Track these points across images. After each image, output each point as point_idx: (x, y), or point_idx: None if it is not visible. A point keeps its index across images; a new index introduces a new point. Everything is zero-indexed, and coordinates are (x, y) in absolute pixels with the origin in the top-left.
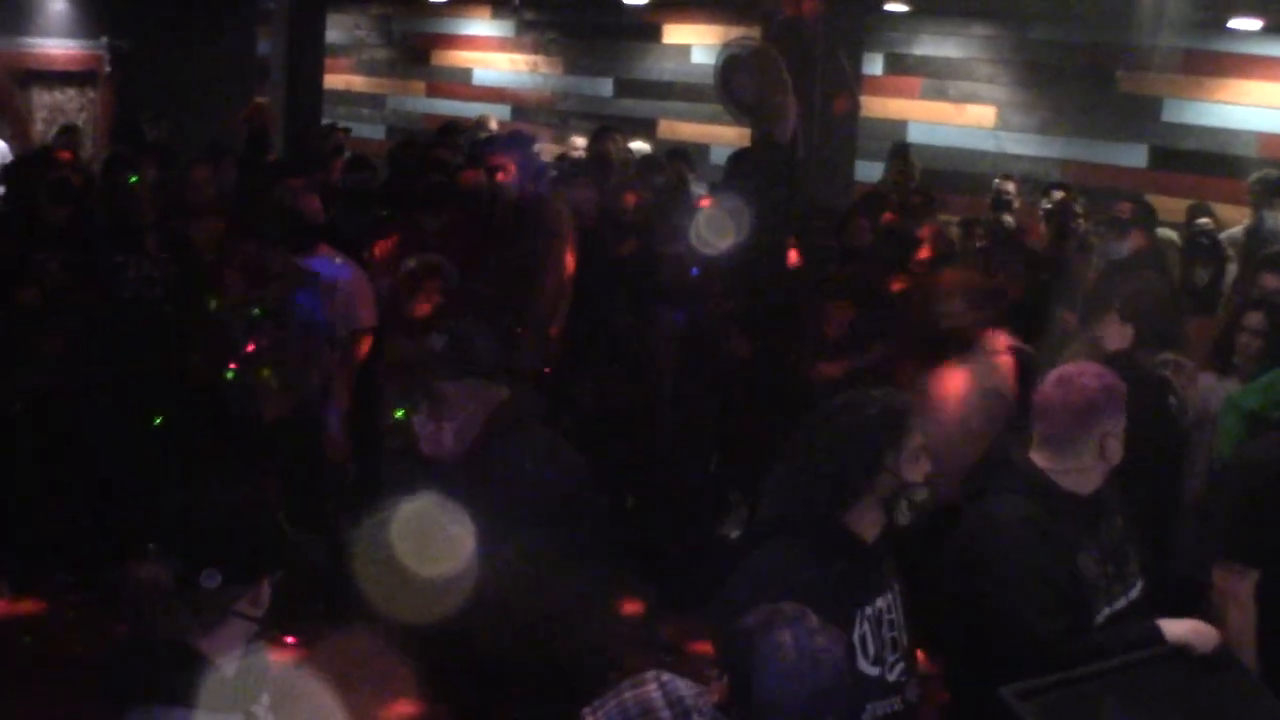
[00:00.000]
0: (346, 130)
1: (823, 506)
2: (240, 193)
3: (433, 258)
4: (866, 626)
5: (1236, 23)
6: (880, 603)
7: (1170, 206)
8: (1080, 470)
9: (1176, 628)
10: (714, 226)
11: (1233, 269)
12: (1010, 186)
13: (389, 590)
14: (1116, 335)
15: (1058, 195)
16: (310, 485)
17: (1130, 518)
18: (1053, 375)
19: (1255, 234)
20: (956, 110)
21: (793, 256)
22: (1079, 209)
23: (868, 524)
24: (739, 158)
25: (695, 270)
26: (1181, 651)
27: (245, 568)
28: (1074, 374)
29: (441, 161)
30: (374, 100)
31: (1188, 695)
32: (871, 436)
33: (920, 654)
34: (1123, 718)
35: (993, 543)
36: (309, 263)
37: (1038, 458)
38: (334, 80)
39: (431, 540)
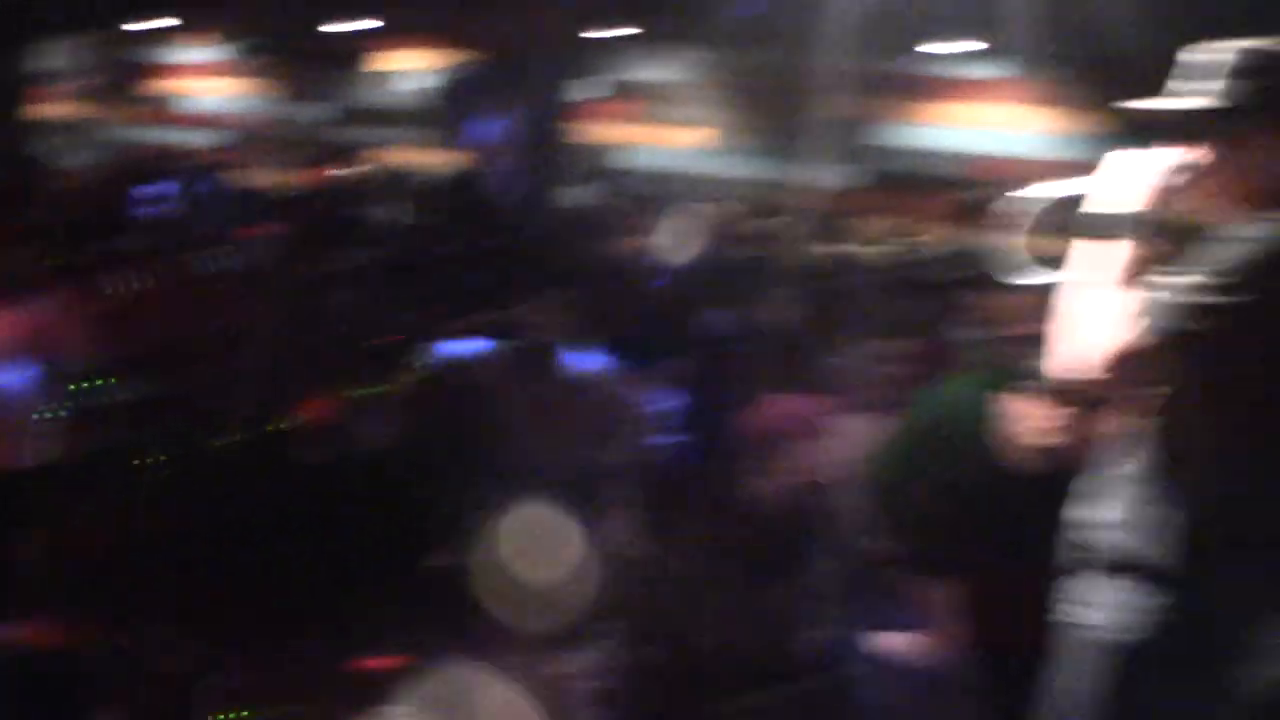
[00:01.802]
0: (58, 161)
1: None
2: None
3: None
4: None
5: (942, 46)
6: None
7: (879, 227)
8: None
9: (892, 641)
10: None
11: None
12: (726, 208)
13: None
14: None
15: (773, 217)
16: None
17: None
18: None
19: (963, 254)
20: (675, 133)
21: None
22: (794, 230)
23: None
24: (451, 181)
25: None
26: (896, 665)
27: None
28: None
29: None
30: (87, 128)
31: (901, 710)
32: None
33: None
34: None
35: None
36: None
37: None
38: (49, 110)
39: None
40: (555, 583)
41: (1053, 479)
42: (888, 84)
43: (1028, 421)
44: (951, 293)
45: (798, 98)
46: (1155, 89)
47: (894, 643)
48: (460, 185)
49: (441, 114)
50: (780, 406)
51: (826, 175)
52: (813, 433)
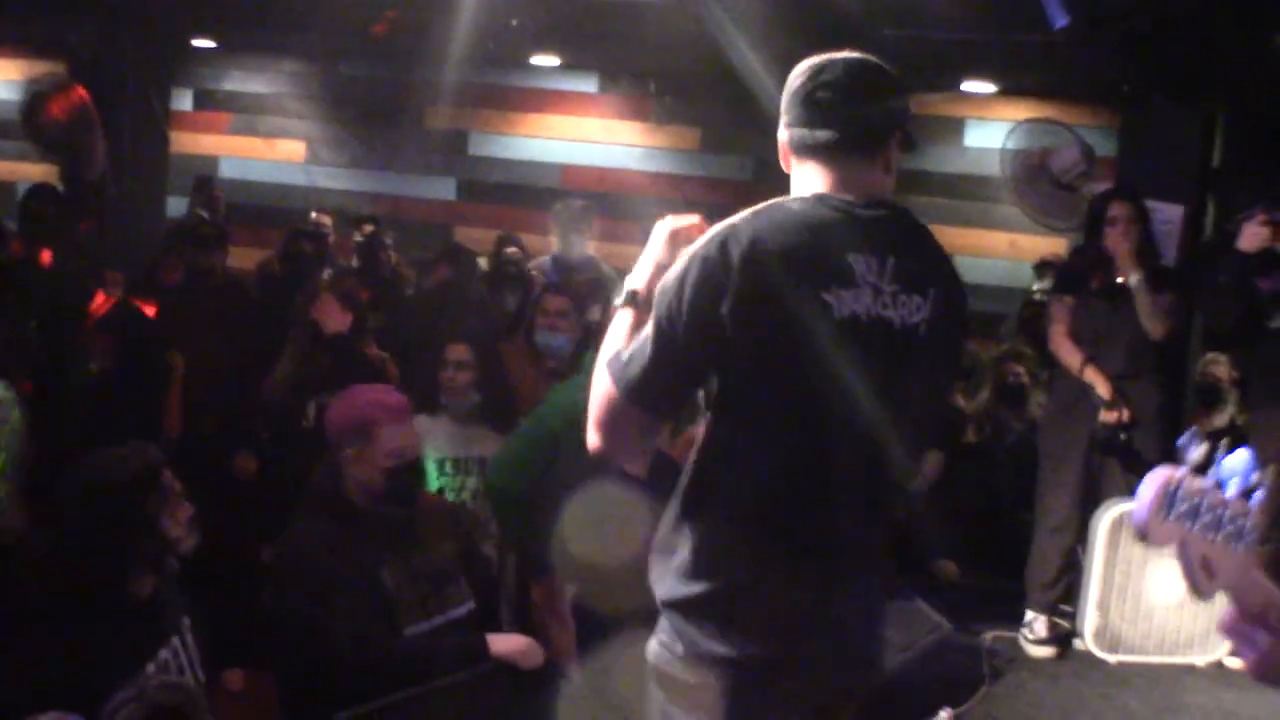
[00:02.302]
0: None
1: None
2: None
3: None
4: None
5: (537, 59)
6: (164, 653)
7: (479, 237)
8: None
9: (502, 643)
10: None
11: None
12: (325, 220)
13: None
14: None
15: (368, 229)
16: None
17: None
18: None
19: (562, 262)
20: (267, 145)
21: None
22: (388, 241)
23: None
24: (35, 194)
25: None
26: (508, 667)
27: None
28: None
29: None
30: None
31: (515, 710)
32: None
33: None
34: None
35: (293, 562)
36: None
37: None
38: None
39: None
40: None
41: (651, 484)
42: (482, 95)
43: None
44: (555, 299)
45: (394, 109)
46: (737, 105)
47: (504, 645)
48: (45, 196)
49: (29, 125)
50: (367, 394)
51: (424, 186)
52: (401, 419)
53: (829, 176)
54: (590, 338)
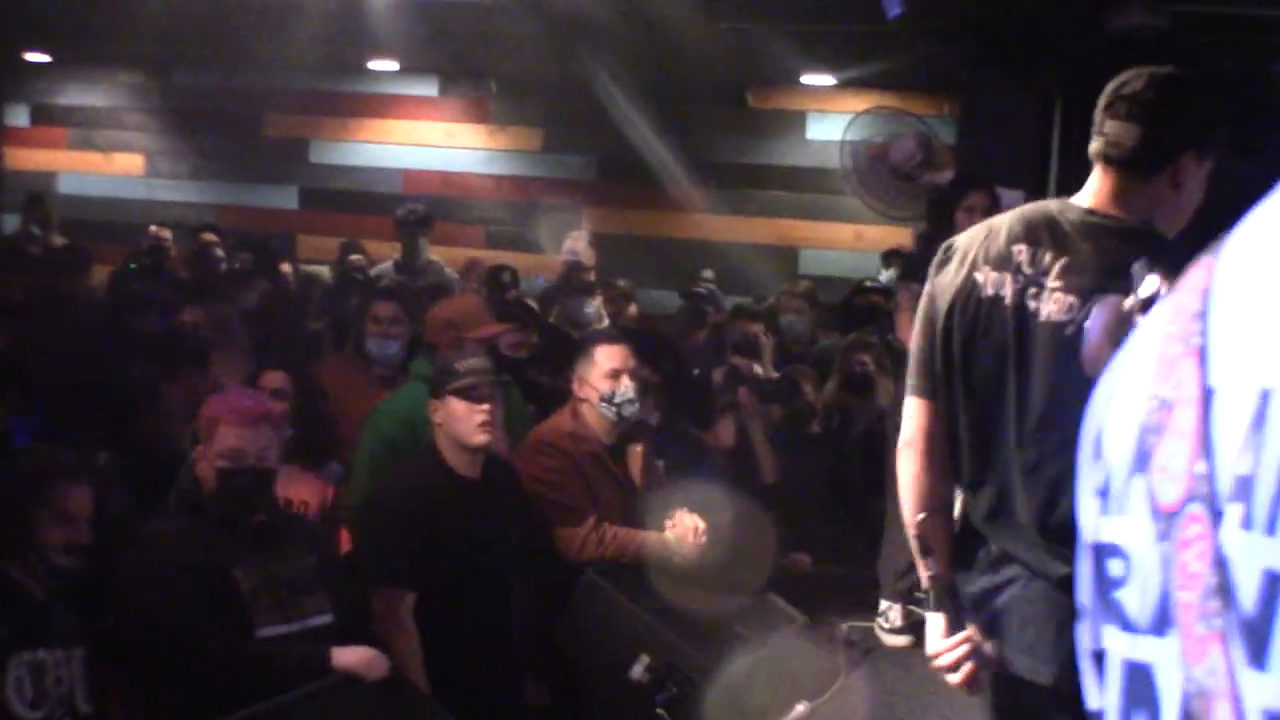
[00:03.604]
0: None
1: None
2: None
3: None
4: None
5: (375, 64)
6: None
7: (322, 245)
8: None
9: (345, 656)
10: None
11: None
12: (166, 233)
13: None
14: None
15: (207, 238)
16: None
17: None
18: None
19: (408, 267)
20: (105, 159)
21: None
22: (220, 252)
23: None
24: None
25: None
26: (352, 679)
27: None
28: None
29: None
30: None
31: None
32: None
33: None
34: None
35: (139, 554)
36: None
37: None
38: None
39: None
40: None
41: (486, 486)
42: (321, 102)
43: (462, 422)
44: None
45: (231, 118)
46: (579, 105)
47: (347, 657)
48: None
49: None
50: (227, 396)
51: (265, 195)
52: (248, 423)
53: (1096, 183)
54: (421, 345)
